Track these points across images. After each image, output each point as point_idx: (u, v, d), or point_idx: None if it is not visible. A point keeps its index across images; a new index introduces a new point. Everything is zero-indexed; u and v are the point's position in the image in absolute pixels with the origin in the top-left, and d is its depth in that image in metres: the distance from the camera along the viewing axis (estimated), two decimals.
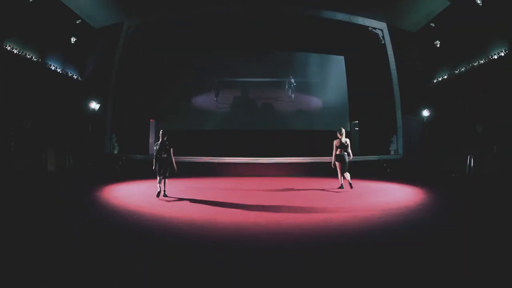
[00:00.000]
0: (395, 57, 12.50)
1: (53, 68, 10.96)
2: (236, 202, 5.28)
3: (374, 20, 12.41)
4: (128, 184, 7.53)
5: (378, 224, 3.81)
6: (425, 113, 11.74)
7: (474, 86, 10.38)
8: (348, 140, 6.82)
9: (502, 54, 9.36)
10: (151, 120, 13.49)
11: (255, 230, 3.62)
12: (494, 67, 9.60)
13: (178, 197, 5.73)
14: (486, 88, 9.82)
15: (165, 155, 5.54)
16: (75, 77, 12.07)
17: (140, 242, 3.15)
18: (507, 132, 8.99)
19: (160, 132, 5.75)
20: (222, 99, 13.34)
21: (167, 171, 5.58)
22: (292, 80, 13.08)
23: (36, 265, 2.50)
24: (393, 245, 3.08)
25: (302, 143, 12.46)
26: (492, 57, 9.71)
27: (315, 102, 13.51)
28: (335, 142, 6.79)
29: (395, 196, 5.93)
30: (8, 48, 9.13)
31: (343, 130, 6.84)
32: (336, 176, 7.11)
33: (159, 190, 5.55)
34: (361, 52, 12.86)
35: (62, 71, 11.39)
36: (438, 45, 11.64)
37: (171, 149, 5.62)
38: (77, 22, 11.27)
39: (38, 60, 10.29)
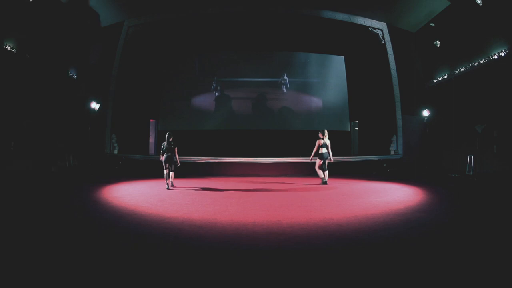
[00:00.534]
0: (395, 57, 12.50)
1: (53, 68, 10.96)
2: (235, 202, 5.28)
3: (374, 20, 12.41)
4: (128, 184, 7.53)
5: (378, 224, 3.81)
6: (425, 113, 11.73)
7: (474, 86, 10.38)
8: (329, 142, 7.58)
9: (502, 54, 9.36)
10: (151, 120, 13.50)
11: (254, 230, 3.62)
12: (494, 67, 9.60)
13: (178, 197, 5.73)
14: (486, 88, 9.82)
15: (170, 154, 6.81)
16: (75, 77, 12.07)
17: (140, 242, 3.15)
18: (507, 132, 8.99)
19: (167, 134, 6.95)
20: (222, 99, 13.34)
21: (172, 166, 6.87)
22: (286, 78, 13.10)
23: (35, 265, 2.50)
24: (393, 245, 3.07)
25: (302, 143, 12.48)
26: (492, 57, 9.71)
27: (315, 102, 13.52)
28: (319, 142, 7.56)
29: (395, 196, 5.93)
30: (8, 48, 9.14)
31: (326, 132, 7.64)
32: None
33: (167, 184, 6.81)
34: (361, 52, 12.87)
35: (62, 71, 11.39)
36: (438, 45, 11.64)
37: (175, 148, 6.89)
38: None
39: (37, 59, 10.29)
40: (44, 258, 2.65)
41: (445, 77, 11.99)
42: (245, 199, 5.61)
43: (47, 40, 10.43)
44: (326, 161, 7.53)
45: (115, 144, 12.14)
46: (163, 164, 6.81)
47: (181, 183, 7.89)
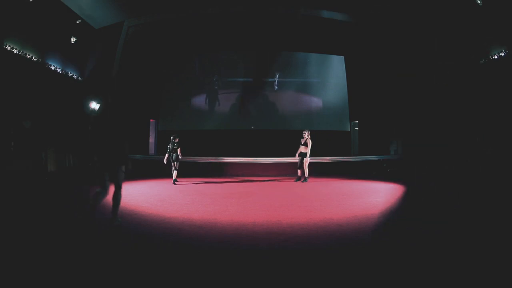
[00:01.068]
0: (395, 57, 12.48)
1: (53, 68, 10.96)
2: (235, 202, 5.28)
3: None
4: (128, 184, 7.53)
5: (378, 224, 3.82)
6: (425, 113, 11.72)
7: (473, 86, 10.37)
8: (310, 142, 8.27)
9: (502, 54, 9.36)
10: (151, 120, 13.50)
11: (254, 230, 3.62)
12: (494, 67, 9.60)
13: (178, 197, 5.73)
14: (486, 88, 9.81)
15: (174, 154, 7.74)
16: (75, 77, 12.07)
17: (140, 242, 3.15)
18: (507, 132, 8.99)
19: (172, 136, 7.83)
20: (223, 98, 13.35)
21: (177, 164, 7.79)
22: (277, 76, 13.18)
23: (36, 265, 2.50)
24: (393, 245, 3.08)
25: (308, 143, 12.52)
26: (492, 57, 9.71)
27: (315, 102, 13.52)
28: (302, 141, 8.41)
29: (395, 196, 5.93)
30: (8, 48, 9.13)
31: (304, 132, 8.47)
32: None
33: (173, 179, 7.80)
34: (361, 52, 12.86)
35: (62, 71, 11.39)
36: (438, 45, 11.63)
37: (179, 148, 7.77)
38: (77, 22, 11.27)
39: (38, 60, 10.28)
40: (45, 258, 2.65)
41: (445, 76, 11.97)
42: (245, 199, 5.61)
43: (47, 40, 10.43)
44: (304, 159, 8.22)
45: None
46: (170, 164, 7.82)
47: (181, 183, 7.89)
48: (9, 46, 9.16)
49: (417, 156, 11.90)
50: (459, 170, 9.80)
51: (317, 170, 10.00)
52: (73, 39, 11.40)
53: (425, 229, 3.66)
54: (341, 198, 5.72)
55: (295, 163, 8.80)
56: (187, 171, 9.21)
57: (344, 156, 11.49)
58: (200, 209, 4.71)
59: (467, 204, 5.39)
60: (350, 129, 13.61)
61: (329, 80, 13.50)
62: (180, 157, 7.86)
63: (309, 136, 8.41)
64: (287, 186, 7.76)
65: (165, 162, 7.79)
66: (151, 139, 13.35)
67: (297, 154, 8.52)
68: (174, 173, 7.81)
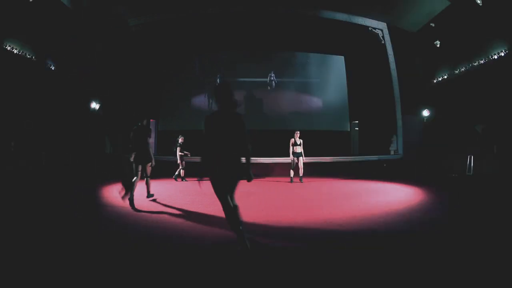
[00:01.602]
0: (395, 57, 12.49)
1: (53, 68, 10.96)
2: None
3: (374, 20, 12.40)
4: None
5: (378, 225, 3.81)
6: (425, 113, 11.73)
7: (474, 86, 10.38)
8: (301, 141, 8.31)
9: (502, 54, 9.36)
10: (151, 120, 13.50)
11: (254, 230, 3.62)
12: (494, 67, 9.60)
13: (178, 197, 5.73)
14: (486, 88, 9.82)
15: (181, 153, 8.29)
16: (75, 77, 12.06)
17: (140, 242, 3.15)
18: (507, 132, 8.99)
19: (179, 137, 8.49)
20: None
21: (183, 163, 8.41)
22: (273, 75, 13.19)
23: (36, 265, 2.50)
24: (393, 246, 3.08)
25: (302, 142, 12.51)
26: (492, 57, 9.71)
27: (315, 102, 13.52)
28: (291, 140, 8.35)
29: (395, 196, 5.93)
30: (8, 48, 9.13)
31: (296, 132, 8.45)
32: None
33: (182, 176, 8.48)
34: (361, 52, 12.87)
35: (61, 71, 11.39)
36: (438, 45, 11.64)
37: (177, 148, 8.36)
38: (77, 22, 11.26)
39: (38, 60, 10.28)
40: (45, 258, 2.65)
41: (445, 77, 11.99)
42: (245, 199, 5.61)
43: (47, 40, 10.42)
44: (300, 159, 8.20)
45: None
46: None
47: (181, 183, 7.90)
48: (9, 46, 9.16)
49: (417, 156, 11.92)
50: (459, 170, 9.81)
51: (317, 170, 9.99)
52: (73, 39, 11.39)
53: (425, 230, 3.66)
54: (341, 198, 5.72)
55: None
56: (187, 171, 9.19)
57: (344, 156, 11.48)
58: (200, 209, 4.71)
59: (467, 204, 5.39)
60: (350, 129, 13.61)
61: (329, 80, 13.50)
62: (177, 157, 8.31)
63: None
64: (287, 186, 7.76)
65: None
66: (151, 139, 13.34)
67: (291, 155, 8.33)
68: (181, 171, 8.44)
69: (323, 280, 2.31)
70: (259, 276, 2.37)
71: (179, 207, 4.87)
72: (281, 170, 10.48)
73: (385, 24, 12.52)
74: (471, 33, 10.18)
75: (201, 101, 13.41)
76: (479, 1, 9.21)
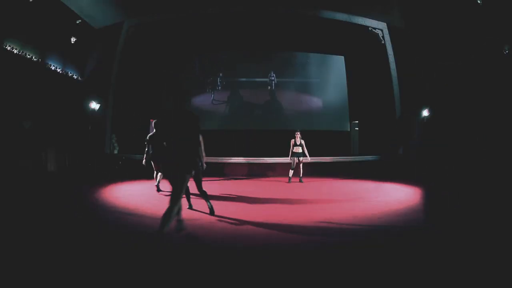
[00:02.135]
0: (395, 57, 12.48)
1: (53, 68, 10.95)
2: (235, 202, 5.28)
3: (374, 20, 12.39)
4: (128, 184, 7.54)
5: (378, 224, 3.82)
6: (425, 113, 11.72)
7: (474, 86, 10.37)
8: (303, 142, 8.29)
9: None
10: (151, 120, 13.50)
11: (254, 229, 3.62)
12: (494, 67, 9.59)
13: None
14: (486, 88, 9.81)
15: None
16: (75, 77, 12.07)
17: (140, 242, 3.15)
18: (507, 132, 8.99)
19: None
20: (223, 98, 13.35)
21: None
22: (273, 75, 13.18)
23: (36, 265, 2.50)
24: (393, 246, 3.08)
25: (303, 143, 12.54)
26: (492, 57, 9.70)
27: (315, 102, 13.51)
28: (292, 141, 8.31)
29: (395, 196, 5.93)
30: (8, 48, 9.13)
31: (297, 133, 8.46)
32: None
33: None
34: (361, 52, 12.86)
35: (62, 71, 11.39)
36: (438, 45, 11.63)
37: None
38: (77, 22, 11.27)
39: (38, 60, 10.28)
40: (45, 258, 2.65)
41: (445, 76, 11.97)
42: (245, 199, 5.61)
43: (47, 40, 10.42)
44: (300, 159, 8.20)
45: (115, 144, 12.13)
46: None
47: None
48: (9, 46, 9.15)
49: (417, 156, 11.91)
50: (459, 170, 9.81)
51: (317, 170, 9.99)
52: (73, 39, 11.39)
53: (424, 229, 3.66)
54: (342, 198, 5.72)
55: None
56: None
57: (344, 156, 11.47)
58: (199, 208, 4.71)
59: (467, 204, 5.39)
60: (350, 129, 13.61)
61: (329, 80, 13.49)
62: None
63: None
64: (287, 186, 7.77)
65: None
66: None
67: (290, 155, 8.31)
68: None
69: (324, 279, 2.31)
70: (259, 276, 2.37)
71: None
72: (282, 170, 10.46)
73: (385, 24, 12.51)
74: (471, 33, 10.17)
75: (201, 101, 13.41)
76: (479, 1, 9.20)
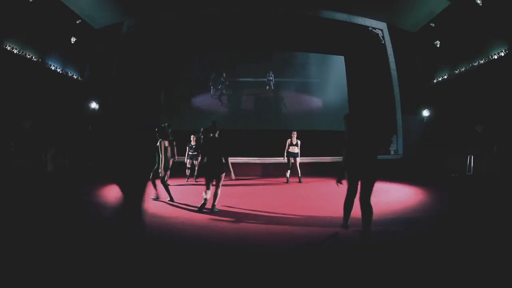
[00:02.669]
0: (395, 57, 12.49)
1: (53, 68, 10.95)
2: (235, 202, 5.28)
3: (374, 20, 12.40)
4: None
5: (378, 224, 3.81)
6: (425, 113, 11.73)
7: (474, 86, 10.38)
8: (299, 142, 8.25)
9: (502, 54, 9.35)
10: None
11: (255, 230, 3.62)
12: (494, 67, 9.60)
13: (178, 197, 5.73)
14: (486, 88, 9.82)
15: (195, 153, 8.22)
16: (75, 77, 12.07)
17: (140, 242, 3.15)
18: (507, 132, 8.99)
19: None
20: (223, 98, 13.34)
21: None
22: (272, 75, 13.15)
23: (36, 265, 2.50)
24: (393, 246, 3.08)
25: (302, 143, 12.52)
26: (492, 57, 9.71)
27: (315, 102, 13.51)
28: (288, 141, 8.31)
29: (395, 196, 5.93)
30: (8, 48, 9.13)
31: (293, 133, 8.41)
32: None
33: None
34: (361, 52, 12.86)
35: (62, 71, 11.39)
36: (438, 45, 11.64)
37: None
38: (77, 22, 11.27)
39: (38, 60, 10.28)
40: (45, 258, 2.65)
41: (445, 77, 11.99)
42: (245, 199, 5.61)
43: (47, 40, 10.42)
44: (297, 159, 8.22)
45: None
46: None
47: (180, 183, 7.89)
48: (9, 46, 9.15)
49: (417, 156, 11.92)
50: (459, 170, 9.81)
51: (317, 170, 10.00)
52: (73, 39, 11.39)
53: (424, 229, 3.66)
54: (342, 198, 5.71)
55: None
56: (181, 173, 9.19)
57: None
58: (200, 208, 4.71)
59: (467, 204, 5.39)
60: None
61: (329, 80, 13.48)
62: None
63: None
64: (287, 186, 7.77)
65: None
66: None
67: (285, 155, 8.37)
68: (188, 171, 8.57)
69: (324, 279, 2.31)
70: (259, 276, 2.37)
71: (180, 207, 4.87)
72: (281, 170, 10.46)
73: (385, 24, 12.52)
74: (471, 33, 10.17)
75: (201, 101, 13.40)
76: (479, 1, 9.20)
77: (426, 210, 4.68)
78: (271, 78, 13.21)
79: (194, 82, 13.35)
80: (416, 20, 11.90)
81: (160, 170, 5.16)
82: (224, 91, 13.21)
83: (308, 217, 4.23)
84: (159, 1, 11.30)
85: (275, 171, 10.45)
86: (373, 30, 12.44)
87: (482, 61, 10.12)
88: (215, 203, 4.63)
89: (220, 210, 4.64)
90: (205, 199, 4.59)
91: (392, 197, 5.87)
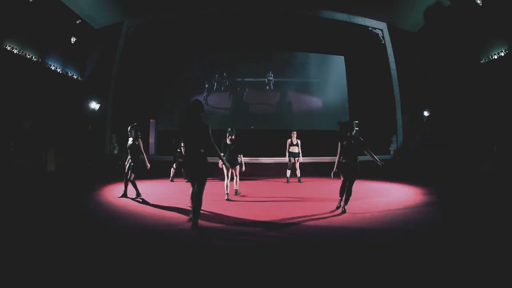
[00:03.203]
0: (395, 57, 12.48)
1: (53, 68, 10.95)
2: (236, 202, 5.28)
3: (374, 20, 12.39)
4: (129, 185, 7.51)
5: (377, 224, 3.82)
6: (425, 113, 11.73)
7: (474, 86, 10.37)
8: (299, 141, 8.27)
9: (502, 54, 9.35)
10: (151, 120, 13.49)
11: (255, 230, 3.62)
12: (494, 67, 9.59)
13: (178, 197, 5.73)
14: (486, 88, 9.81)
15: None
16: (75, 77, 12.07)
17: (140, 242, 3.15)
18: (507, 132, 8.99)
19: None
20: (223, 98, 13.35)
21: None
22: (271, 75, 13.20)
23: (36, 265, 2.50)
24: (392, 246, 3.08)
25: (302, 143, 12.52)
26: (492, 57, 9.71)
27: (315, 102, 13.51)
28: (288, 141, 8.33)
29: (395, 196, 5.93)
30: (8, 48, 9.13)
31: (293, 133, 8.39)
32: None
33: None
34: (361, 52, 12.86)
35: (62, 71, 11.39)
36: (437, 45, 11.63)
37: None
38: (77, 22, 11.26)
39: (38, 60, 10.28)
40: (45, 258, 2.65)
41: (445, 76, 11.98)
42: (245, 199, 5.61)
43: (47, 40, 10.42)
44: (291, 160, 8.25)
45: (115, 144, 12.13)
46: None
47: (180, 183, 7.89)
48: (9, 46, 9.15)
49: (417, 156, 11.91)
50: (459, 170, 9.80)
51: (317, 170, 9.99)
52: (73, 39, 11.39)
53: (424, 229, 3.66)
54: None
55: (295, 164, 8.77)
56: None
57: None
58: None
59: (467, 204, 5.39)
60: None
61: (329, 80, 13.49)
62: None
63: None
64: (286, 186, 7.77)
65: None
66: (151, 139, 13.34)
67: (287, 155, 8.35)
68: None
69: (324, 278, 2.31)
70: (259, 276, 2.37)
71: (180, 207, 4.87)
72: (281, 170, 10.46)
73: (385, 24, 12.51)
74: (471, 33, 10.17)
75: (201, 101, 13.42)
76: (479, 1, 9.20)
77: (426, 211, 4.68)
78: (271, 78, 13.22)
79: (194, 82, 13.36)
80: (416, 20, 11.90)
81: (135, 170, 5.58)
82: (213, 90, 13.25)
83: (308, 216, 4.23)
84: (159, 1, 11.30)
85: (275, 171, 10.45)
86: (373, 30, 12.44)
87: (482, 61, 10.12)
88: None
89: (220, 211, 4.63)
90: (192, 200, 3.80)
91: (392, 197, 5.88)
